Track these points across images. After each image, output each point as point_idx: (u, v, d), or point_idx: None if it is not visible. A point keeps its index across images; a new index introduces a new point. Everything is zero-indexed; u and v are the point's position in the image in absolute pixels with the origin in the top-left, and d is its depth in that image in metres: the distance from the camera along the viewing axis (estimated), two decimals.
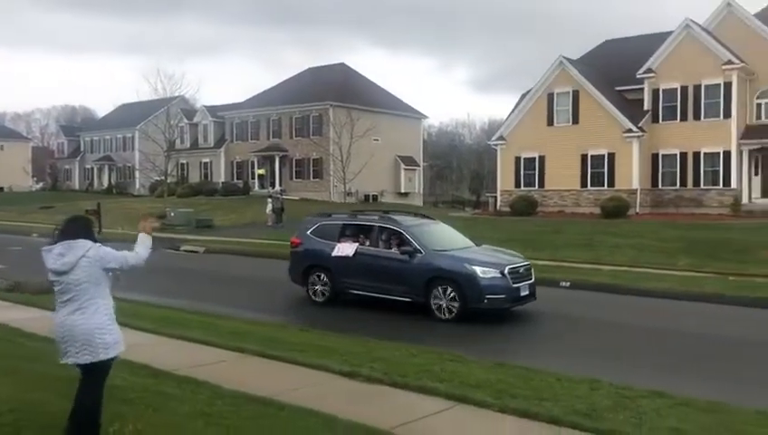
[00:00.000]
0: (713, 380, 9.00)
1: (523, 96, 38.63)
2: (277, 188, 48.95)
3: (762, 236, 23.08)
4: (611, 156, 34.38)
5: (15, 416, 5.79)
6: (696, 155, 33.68)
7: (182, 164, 59.07)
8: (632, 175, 33.84)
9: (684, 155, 34.00)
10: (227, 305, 13.99)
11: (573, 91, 35.38)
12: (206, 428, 5.92)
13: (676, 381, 8.56)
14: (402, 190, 54.69)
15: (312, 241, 14.55)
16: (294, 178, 52.28)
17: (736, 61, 32.29)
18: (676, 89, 33.98)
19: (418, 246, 12.96)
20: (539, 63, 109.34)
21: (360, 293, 13.76)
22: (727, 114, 32.68)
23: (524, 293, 12.80)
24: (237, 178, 55.38)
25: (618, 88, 36.47)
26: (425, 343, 10.35)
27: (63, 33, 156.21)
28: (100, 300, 5.10)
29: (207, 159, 59.54)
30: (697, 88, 33.42)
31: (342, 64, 58.30)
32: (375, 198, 51.72)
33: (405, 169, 54.96)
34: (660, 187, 34.76)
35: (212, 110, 60.02)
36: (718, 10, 34.77)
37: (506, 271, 12.46)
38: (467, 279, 12.26)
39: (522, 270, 12.95)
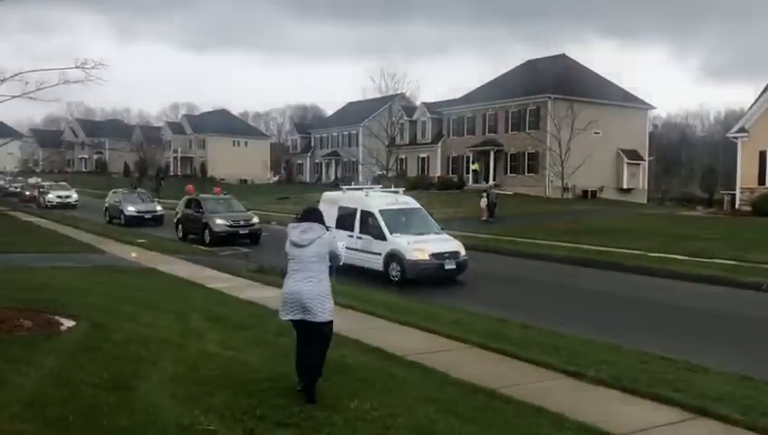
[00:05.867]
0: None
1: None
2: (491, 182, 48.92)
3: None
4: None
5: (273, 383, 6.52)
6: None
7: (401, 159, 61.50)
8: None
9: None
10: None
11: None
12: (436, 413, 6.14)
13: None
14: (624, 186, 51.65)
15: None
16: (509, 173, 51.81)
17: None
18: None
19: None
20: None
21: None
22: None
23: None
24: (452, 173, 56.30)
25: None
26: None
27: (299, 39, 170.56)
28: (323, 275, 6.25)
29: (425, 154, 61.29)
30: None
31: (563, 56, 56.41)
32: (594, 194, 49.49)
33: (627, 164, 51.80)
34: None
35: (430, 106, 61.64)
36: None
37: None
38: None
39: None
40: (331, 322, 6.33)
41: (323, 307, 6.15)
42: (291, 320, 6.29)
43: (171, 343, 8.32)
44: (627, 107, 52.46)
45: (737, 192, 35.64)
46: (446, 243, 17.18)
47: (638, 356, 8.93)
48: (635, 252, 21.32)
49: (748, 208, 32.73)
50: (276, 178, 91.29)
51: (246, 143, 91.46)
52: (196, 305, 11.27)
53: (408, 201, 18.73)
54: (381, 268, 16.63)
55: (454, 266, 16.47)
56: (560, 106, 46.33)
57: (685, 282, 17.01)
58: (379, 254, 16.69)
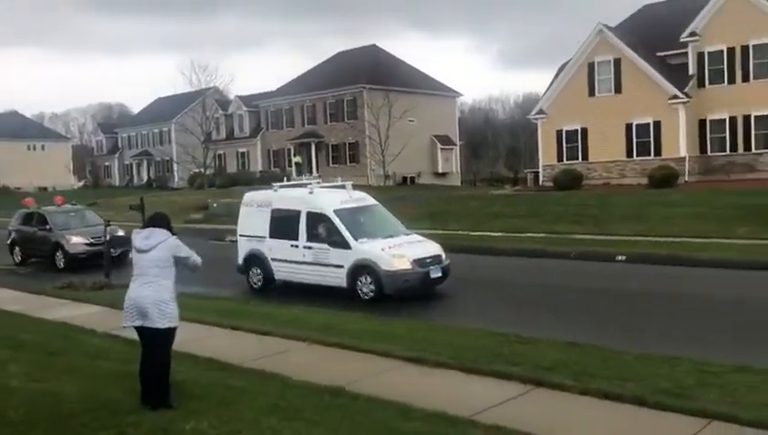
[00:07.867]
0: None
1: (562, 68, 37.70)
2: (314, 174, 48.88)
3: None
4: (657, 124, 33.33)
5: (93, 415, 5.69)
6: (747, 118, 32.46)
7: (219, 155, 59.42)
8: (679, 143, 32.77)
9: (733, 119, 32.76)
10: None
11: (615, 60, 34.35)
12: (280, 422, 5.73)
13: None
14: (440, 171, 54.08)
15: None
16: (331, 164, 52.08)
17: None
18: (723, 51, 32.73)
19: None
20: (575, 35, 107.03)
21: None
22: None
23: None
24: (275, 167, 55.49)
25: (660, 53, 35.25)
26: None
27: (101, 35, 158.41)
28: (165, 280, 6.07)
29: (244, 149, 59.77)
30: (745, 49, 32.12)
31: (374, 46, 57.63)
32: (412, 180, 51.25)
33: (441, 149, 54.28)
34: (709, 153, 33.61)
35: (246, 99, 60.12)
36: None
37: None
38: None
39: None
40: (174, 329, 6.14)
41: (162, 313, 5.99)
42: (133, 327, 6.12)
43: None
44: (437, 95, 54.84)
45: (540, 169, 38.66)
46: (423, 246, 14.04)
47: (473, 335, 9.14)
48: (457, 232, 22.25)
49: (550, 184, 35.60)
50: (82, 184, 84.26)
51: (44, 147, 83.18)
52: None
53: (362, 197, 15.37)
54: (345, 284, 13.44)
55: (440, 274, 13.53)
56: (375, 96, 47.29)
57: (503, 257, 17.98)
58: (341, 266, 13.45)
